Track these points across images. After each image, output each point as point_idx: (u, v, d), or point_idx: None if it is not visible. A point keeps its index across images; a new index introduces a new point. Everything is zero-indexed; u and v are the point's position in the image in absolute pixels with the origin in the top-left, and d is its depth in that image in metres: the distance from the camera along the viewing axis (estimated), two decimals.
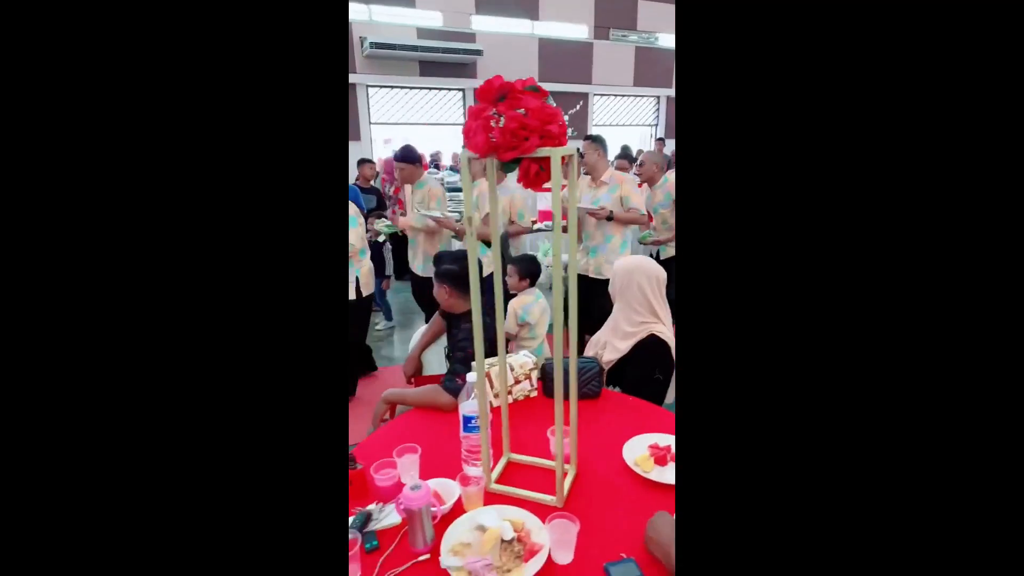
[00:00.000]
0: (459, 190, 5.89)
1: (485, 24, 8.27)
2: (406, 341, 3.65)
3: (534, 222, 3.67)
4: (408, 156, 3.18)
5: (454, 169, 8.20)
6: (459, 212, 3.06)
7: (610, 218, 3.00)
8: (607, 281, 2.71)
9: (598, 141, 3.09)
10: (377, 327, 4.24)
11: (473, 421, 1.21)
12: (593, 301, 3.21)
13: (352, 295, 2.85)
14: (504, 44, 8.42)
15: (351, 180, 5.04)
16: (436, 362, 2.40)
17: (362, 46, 7.55)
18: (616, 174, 3.15)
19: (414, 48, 7.67)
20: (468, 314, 1.79)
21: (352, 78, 7.71)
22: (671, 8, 9.72)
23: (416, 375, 2.07)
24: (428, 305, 3.31)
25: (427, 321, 3.19)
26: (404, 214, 3.49)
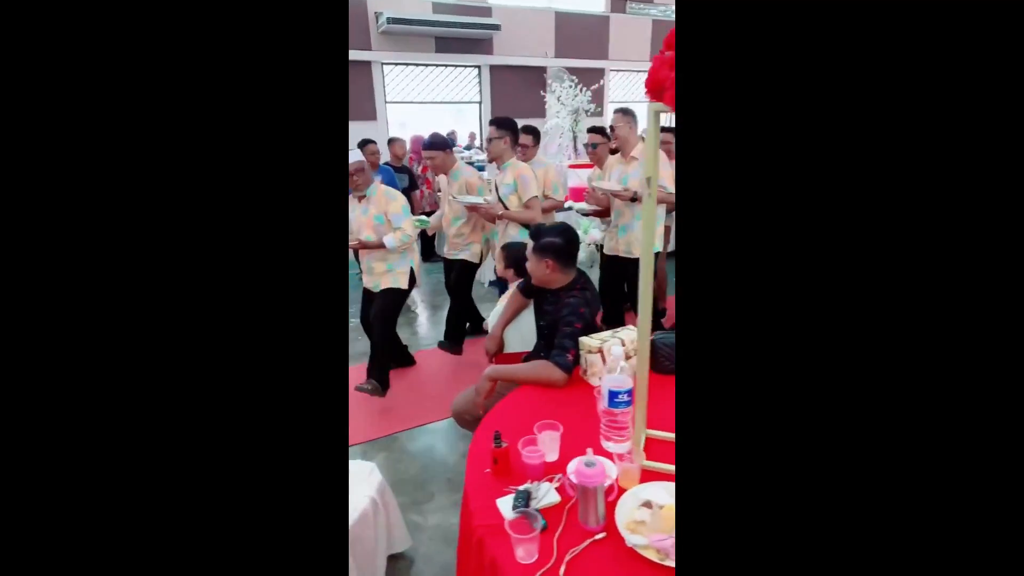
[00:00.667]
0: (481, 168, 5.81)
1: None
2: (439, 323, 3.56)
3: (565, 199, 3.53)
4: (437, 143, 2.99)
5: (469, 147, 8.07)
6: (485, 198, 2.93)
7: (635, 199, 2.77)
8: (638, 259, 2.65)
9: (629, 114, 2.92)
10: (413, 309, 4.18)
11: (621, 396, 1.16)
12: (627, 280, 3.11)
13: (405, 284, 2.73)
14: (520, 18, 8.20)
15: (383, 159, 4.93)
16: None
17: (377, 21, 7.36)
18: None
19: (431, 23, 7.48)
20: (569, 288, 1.74)
21: (367, 56, 7.54)
22: None
23: (499, 353, 2.03)
24: (452, 288, 3.20)
25: (454, 302, 3.15)
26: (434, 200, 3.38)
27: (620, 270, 3.10)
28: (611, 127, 3.01)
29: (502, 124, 2.89)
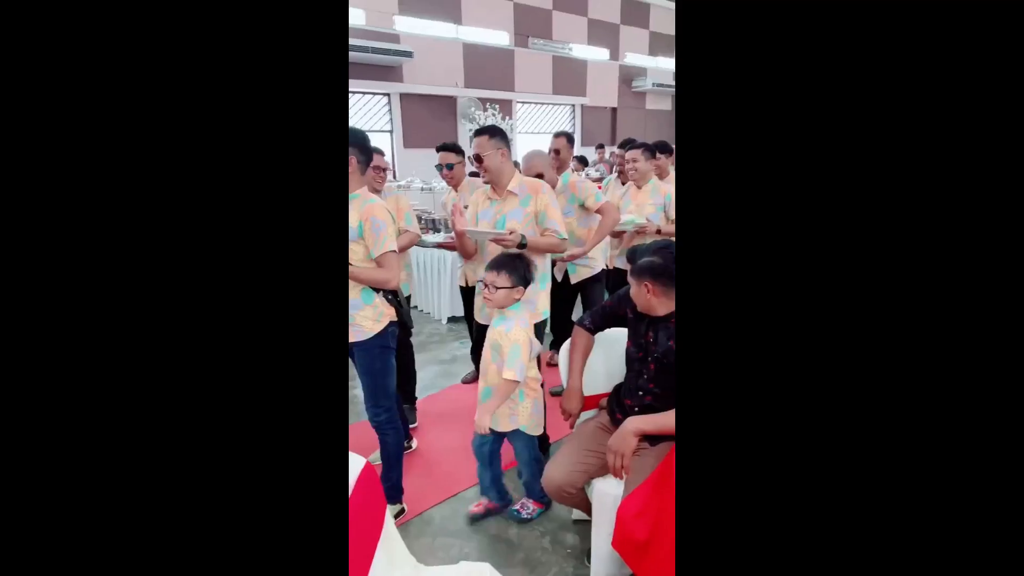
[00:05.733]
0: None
1: (409, 25, 7.82)
2: (427, 363, 3.07)
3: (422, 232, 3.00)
4: (457, 146, 2.64)
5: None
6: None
7: (522, 246, 1.93)
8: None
9: (497, 135, 2.04)
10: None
11: None
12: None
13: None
14: (429, 47, 8.03)
15: None
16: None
17: None
18: (529, 181, 2.10)
19: None
20: (669, 317, 1.51)
21: None
22: (584, 21, 10.08)
23: (581, 409, 1.72)
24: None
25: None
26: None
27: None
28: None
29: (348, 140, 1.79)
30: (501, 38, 9.06)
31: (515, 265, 1.73)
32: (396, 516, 1.88)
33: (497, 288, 1.71)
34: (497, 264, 1.73)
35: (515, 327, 1.71)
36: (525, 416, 1.78)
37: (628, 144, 3.07)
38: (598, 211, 2.56)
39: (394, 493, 1.85)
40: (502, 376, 1.67)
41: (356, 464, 1.15)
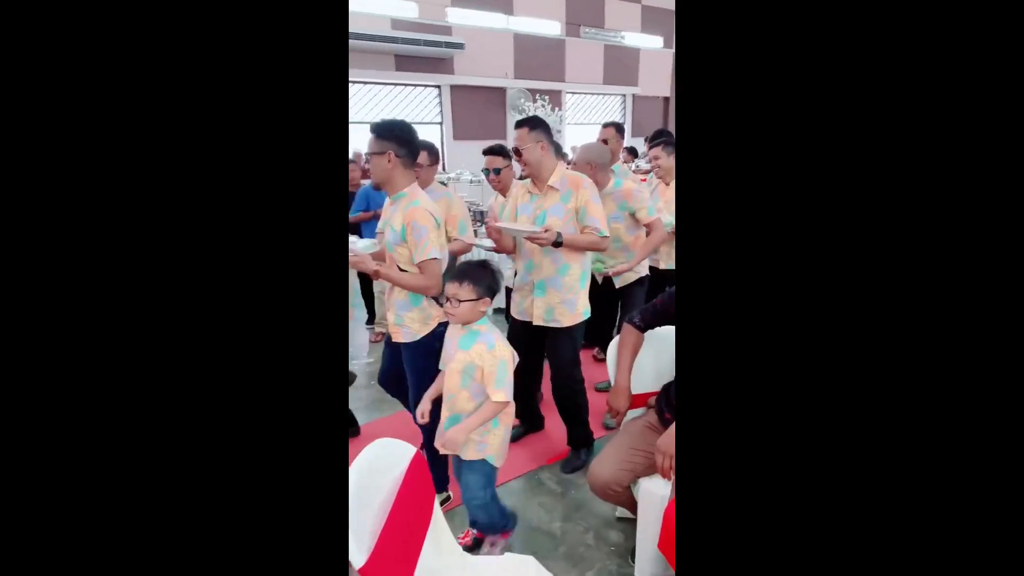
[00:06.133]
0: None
1: (461, 17, 7.85)
2: None
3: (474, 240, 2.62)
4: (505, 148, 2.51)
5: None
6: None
7: (558, 244, 1.92)
8: (561, 331, 2.10)
9: (538, 127, 2.02)
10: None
11: None
12: (538, 355, 2.17)
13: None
14: (480, 38, 8.04)
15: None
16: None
17: None
18: (570, 176, 2.06)
19: (391, 39, 7.11)
20: None
21: None
22: (637, 8, 9.82)
23: (628, 408, 1.69)
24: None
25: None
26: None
27: (534, 343, 2.14)
28: (514, 148, 2.10)
29: (383, 133, 1.70)
30: (552, 28, 8.96)
31: (479, 275, 1.50)
32: (442, 503, 1.92)
33: (460, 301, 1.47)
34: (459, 275, 1.50)
35: (497, 343, 1.49)
36: (495, 445, 1.55)
37: (653, 138, 2.92)
38: (647, 225, 2.47)
39: (440, 481, 1.89)
40: (491, 398, 1.45)
41: (407, 452, 1.18)
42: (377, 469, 1.08)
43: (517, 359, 1.57)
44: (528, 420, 2.45)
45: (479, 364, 1.45)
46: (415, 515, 1.12)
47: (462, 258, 2.36)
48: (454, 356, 1.52)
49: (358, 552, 0.88)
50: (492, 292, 1.53)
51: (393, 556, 0.97)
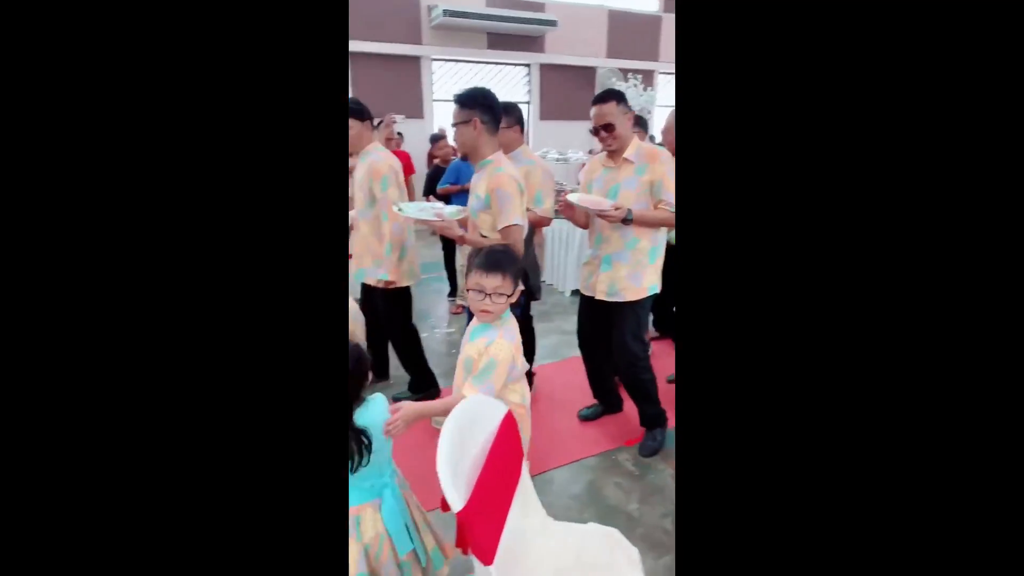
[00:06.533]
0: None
1: None
2: (550, 332, 3.11)
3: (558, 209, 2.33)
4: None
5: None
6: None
7: (627, 220, 1.87)
8: (624, 305, 1.99)
9: (623, 101, 1.95)
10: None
11: None
12: (607, 332, 2.08)
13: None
14: (573, 15, 7.87)
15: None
16: None
17: (430, 15, 7.04)
18: (647, 148, 1.97)
19: (486, 17, 7.13)
20: None
21: (417, 51, 7.21)
22: None
23: None
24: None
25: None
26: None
27: (602, 319, 2.10)
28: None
29: (467, 102, 1.71)
30: (649, 4, 8.58)
31: (510, 259, 1.33)
32: None
33: (502, 295, 1.29)
34: (493, 265, 1.29)
35: (498, 340, 1.31)
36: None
37: None
38: None
39: None
40: (462, 390, 1.29)
41: (499, 411, 1.19)
42: (474, 421, 1.10)
43: (526, 366, 1.46)
44: (605, 400, 2.41)
45: (475, 358, 1.33)
46: (505, 472, 1.13)
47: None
48: (462, 348, 1.42)
49: (457, 497, 0.89)
50: (523, 278, 1.41)
51: (487, 507, 0.98)
